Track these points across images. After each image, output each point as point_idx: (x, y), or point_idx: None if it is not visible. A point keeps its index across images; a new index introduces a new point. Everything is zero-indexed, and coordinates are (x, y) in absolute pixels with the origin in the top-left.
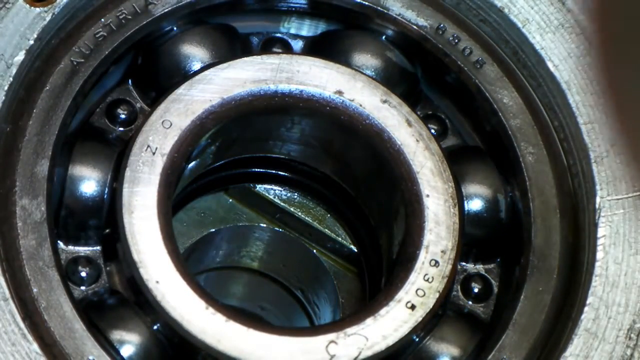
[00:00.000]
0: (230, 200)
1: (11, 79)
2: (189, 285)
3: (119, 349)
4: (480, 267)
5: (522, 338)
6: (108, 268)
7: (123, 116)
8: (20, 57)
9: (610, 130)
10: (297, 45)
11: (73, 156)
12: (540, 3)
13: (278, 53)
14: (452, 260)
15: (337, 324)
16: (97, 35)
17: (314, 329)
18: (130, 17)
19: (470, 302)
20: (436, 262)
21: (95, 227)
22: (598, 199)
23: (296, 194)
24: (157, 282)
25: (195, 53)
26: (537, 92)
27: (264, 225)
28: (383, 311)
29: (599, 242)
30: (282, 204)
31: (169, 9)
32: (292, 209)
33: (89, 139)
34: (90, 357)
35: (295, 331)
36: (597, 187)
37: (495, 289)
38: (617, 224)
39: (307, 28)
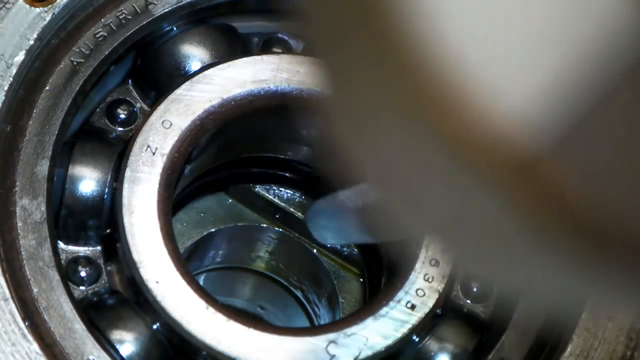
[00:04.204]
0: (230, 200)
1: (11, 79)
2: (189, 285)
3: (119, 348)
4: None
5: (522, 338)
6: (108, 268)
7: (123, 116)
8: (20, 57)
9: None
10: (297, 45)
11: (73, 156)
12: None
13: (278, 53)
14: (452, 260)
15: (337, 324)
16: (97, 36)
17: (314, 329)
18: (130, 17)
19: (470, 302)
20: (436, 261)
21: (96, 227)
22: None
23: (296, 194)
24: (157, 282)
25: (195, 53)
26: None
27: (264, 225)
28: (383, 311)
29: None
30: (282, 204)
31: (169, 9)
32: (292, 209)
33: (89, 139)
34: (91, 357)
35: (295, 331)
36: None
37: (496, 289)
38: None
39: None
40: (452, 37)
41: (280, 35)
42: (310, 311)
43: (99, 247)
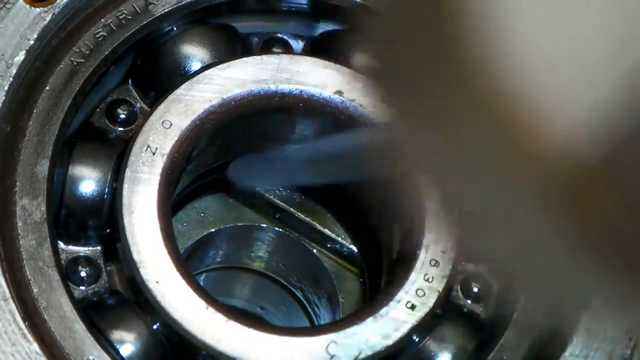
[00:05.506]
0: (230, 200)
1: (11, 79)
2: (189, 285)
3: (119, 348)
4: (480, 267)
5: (522, 338)
6: (108, 268)
7: (123, 116)
8: (21, 57)
9: None
10: (297, 45)
11: (73, 156)
12: None
13: (278, 53)
14: (452, 260)
15: (337, 324)
16: (97, 36)
17: (314, 329)
18: (130, 17)
19: (469, 302)
20: (436, 261)
21: (95, 227)
22: None
23: (296, 194)
24: (157, 282)
25: (195, 53)
26: None
27: (264, 225)
28: (383, 311)
29: None
30: (282, 204)
31: (169, 9)
32: (292, 209)
33: (89, 139)
34: (90, 357)
35: (295, 331)
36: None
37: (495, 289)
38: None
39: (307, 28)
40: (523, 50)
41: (280, 35)
42: (310, 311)
43: (99, 247)
